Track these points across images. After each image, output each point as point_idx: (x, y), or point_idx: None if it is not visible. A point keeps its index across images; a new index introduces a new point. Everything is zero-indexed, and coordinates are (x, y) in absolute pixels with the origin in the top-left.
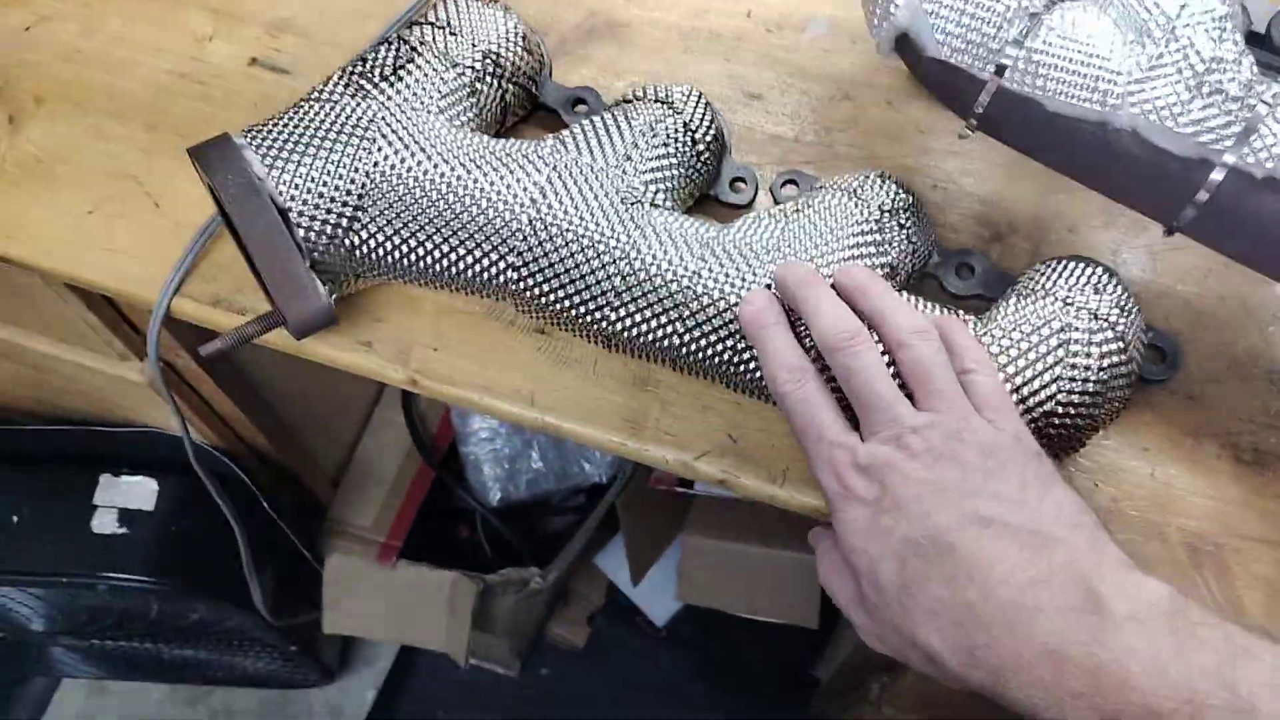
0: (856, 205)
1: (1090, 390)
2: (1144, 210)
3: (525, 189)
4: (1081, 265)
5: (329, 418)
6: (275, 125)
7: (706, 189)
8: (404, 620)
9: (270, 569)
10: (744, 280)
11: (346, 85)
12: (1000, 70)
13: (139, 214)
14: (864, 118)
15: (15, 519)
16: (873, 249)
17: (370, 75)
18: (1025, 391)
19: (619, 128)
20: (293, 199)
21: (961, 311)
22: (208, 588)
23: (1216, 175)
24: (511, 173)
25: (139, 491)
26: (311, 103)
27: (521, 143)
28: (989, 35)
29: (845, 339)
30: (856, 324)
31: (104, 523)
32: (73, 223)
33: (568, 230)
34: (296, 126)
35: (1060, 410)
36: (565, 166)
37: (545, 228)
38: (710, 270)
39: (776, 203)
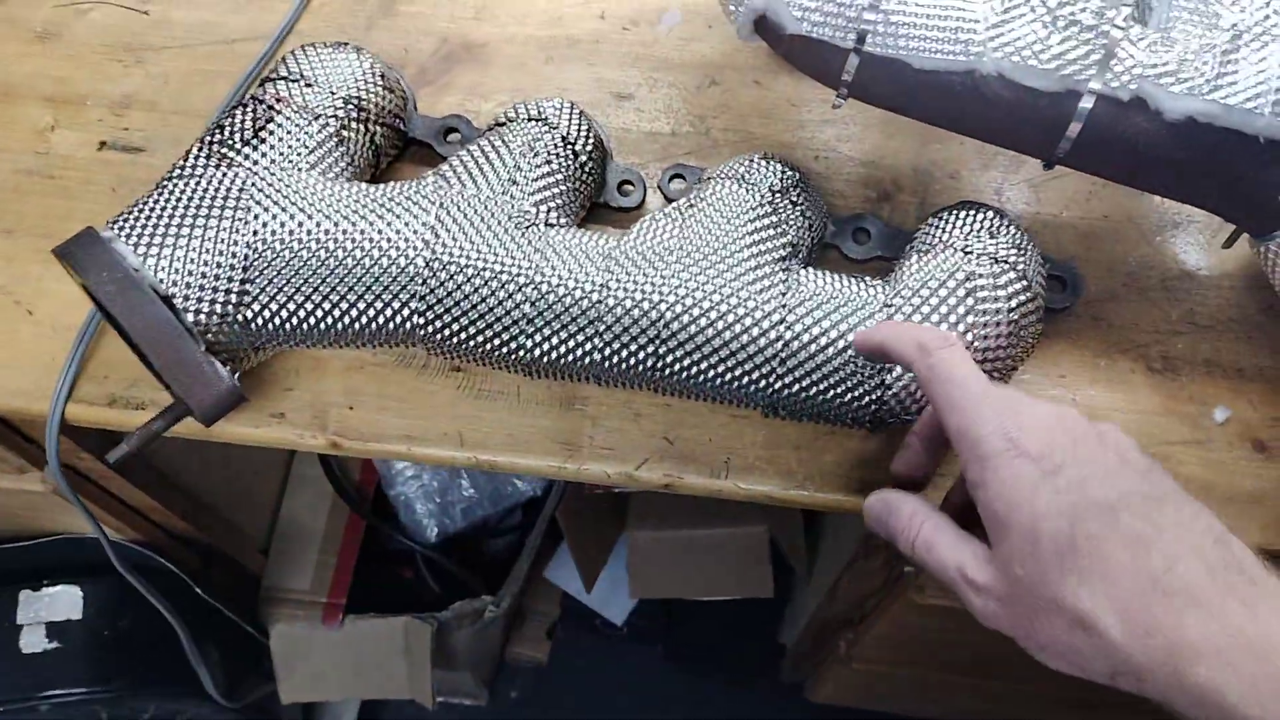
0: (747, 191)
1: (1004, 333)
2: (1021, 149)
3: (415, 231)
4: (972, 212)
5: (246, 486)
6: (141, 210)
7: (595, 198)
8: (362, 675)
9: (216, 652)
10: (652, 285)
11: (208, 156)
12: (862, 38)
13: (12, 324)
14: (735, 101)
15: None
16: (771, 231)
17: (230, 142)
18: None
19: (498, 153)
20: (174, 284)
21: (868, 277)
22: (155, 684)
23: (1085, 104)
24: (399, 218)
25: (63, 601)
26: (174, 180)
27: (402, 185)
28: (845, 5)
29: (944, 340)
30: (951, 335)
31: (32, 640)
32: None
33: (467, 266)
34: (164, 208)
35: (979, 359)
36: (452, 202)
37: (443, 267)
38: (618, 280)
39: (667, 199)
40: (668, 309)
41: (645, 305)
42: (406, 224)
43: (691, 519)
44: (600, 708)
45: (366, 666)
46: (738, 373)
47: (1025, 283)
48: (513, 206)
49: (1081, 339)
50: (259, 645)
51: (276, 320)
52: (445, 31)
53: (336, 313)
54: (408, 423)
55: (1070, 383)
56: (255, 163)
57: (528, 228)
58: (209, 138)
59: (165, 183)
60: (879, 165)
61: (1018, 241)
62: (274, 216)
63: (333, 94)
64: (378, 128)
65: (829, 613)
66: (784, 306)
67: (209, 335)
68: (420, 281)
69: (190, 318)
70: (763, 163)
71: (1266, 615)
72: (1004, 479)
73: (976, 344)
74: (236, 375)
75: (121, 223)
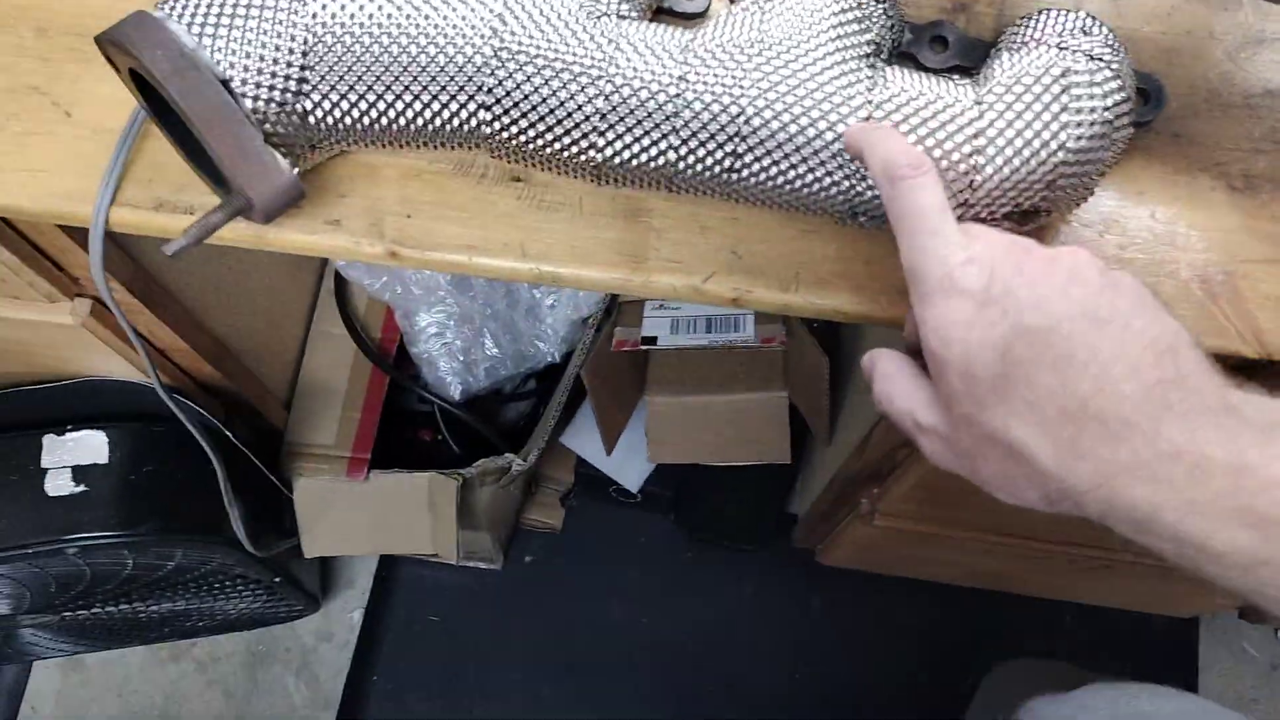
0: None
1: (1098, 133)
2: None
3: (483, 19)
4: (1064, 12)
5: (267, 339)
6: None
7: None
8: (386, 530)
9: (242, 501)
10: (733, 79)
11: None
12: None
13: (51, 127)
14: None
15: None
16: (855, 26)
17: None
18: (1036, 144)
19: None
20: (232, 67)
21: (955, 76)
22: (182, 529)
23: None
24: (465, 3)
25: (89, 445)
26: None
27: None
28: None
29: (910, 167)
30: (921, 156)
31: (59, 484)
32: None
33: (537, 57)
34: None
35: (1072, 159)
36: None
37: (512, 57)
38: (696, 74)
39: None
40: (749, 104)
41: (725, 100)
42: (473, 9)
43: (711, 384)
44: (613, 574)
45: (391, 522)
46: (819, 173)
47: (1120, 82)
48: None
49: (1161, 155)
50: (282, 498)
51: (337, 112)
52: None
53: (400, 105)
54: (468, 232)
55: (1150, 199)
56: None
57: (600, 18)
58: None
59: None
60: None
61: (1111, 41)
62: (333, 7)
63: None
64: None
65: (854, 469)
66: (870, 103)
67: (267, 125)
68: (488, 72)
69: (249, 104)
70: None
71: (1205, 431)
72: (939, 315)
73: (1069, 144)
74: (297, 169)
75: (173, 2)
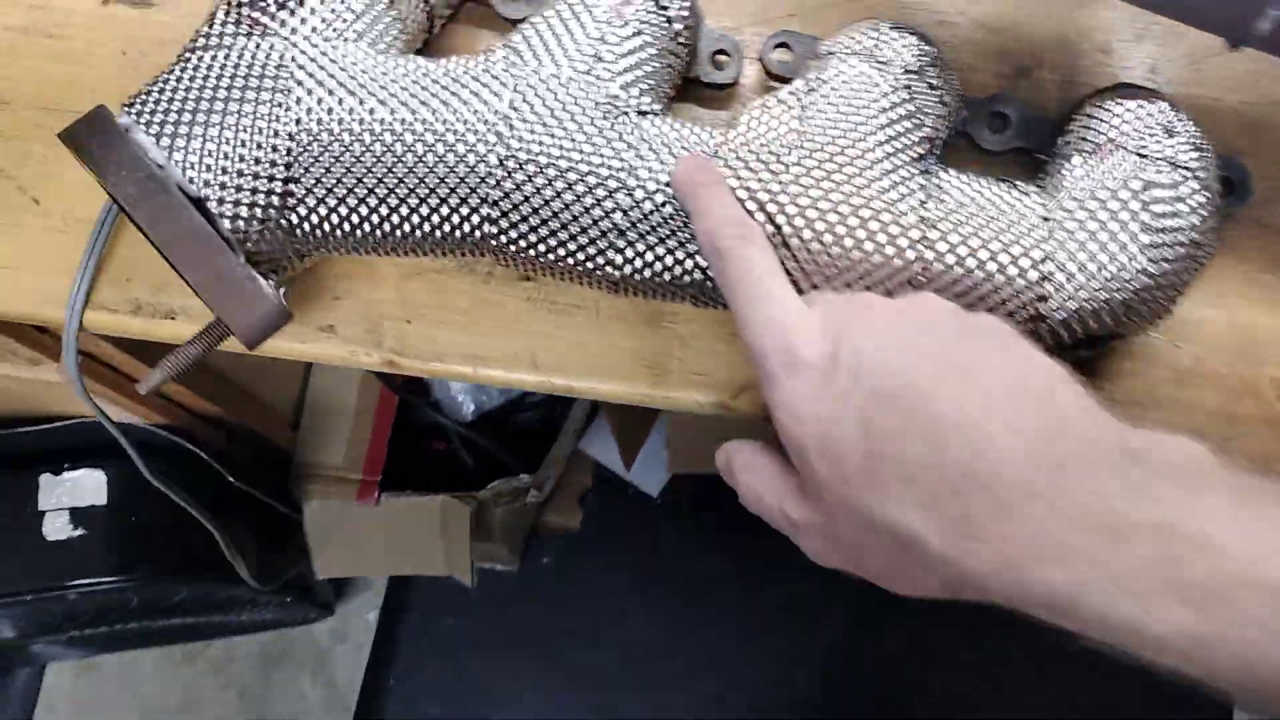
0: (877, 72)
1: (1183, 254)
2: (1208, 27)
3: (486, 122)
4: (1142, 103)
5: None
6: (162, 91)
7: (686, 73)
8: (399, 552)
9: (248, 536)
10: (769, 194)
11: (237, 23)
12: None
13: (16, 215)
14: None
15: None
16: (908, 124)
17: (263, 5)
18: (1113, 268)
19: (579, 20)
20: (207, 184)
21: (1020, 183)
22: (185, 569)
23: None
24: (466, 104)
25: (86, 485)
26: (199, 53)
27: (467, 61)
28: None
29: (737, 234)
30: (748, 221)
31: (57, 528)
32: None
33: (548, 166)
34: (189, 88)
35: (1152, 283)
36: (528, 84)
37: (520, 166)
38: (730, 183)
39: (769, 75)
40: (786, 223)
41: (760, 217)
42: (475, 112)
43: None
44: (631, 576)
45: (403, 543)
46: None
47: (1207, 194)
48: (599, 90)
49: (1244, 250)
50: (292, 523)
51: (327, 225)
52: None
53: (395, 217)
54: (472, 340)
55: (1230, 302)
56: (294, 30)
57: (617, 118)
58: (234, 0)
59: (188, 55)
60: (1016, 33)
61: (1198, 142)
62: (319, 101)
63: None
64: None
65: None
66: (924, 221)
67: (249, 244)
68: (493, 182)
69: (227, 224)
70: (894, 34)
71: (1112, 487)
72: (787, 393)
73: (1151, 268)
74: (282, 290)
75: (141, 106)
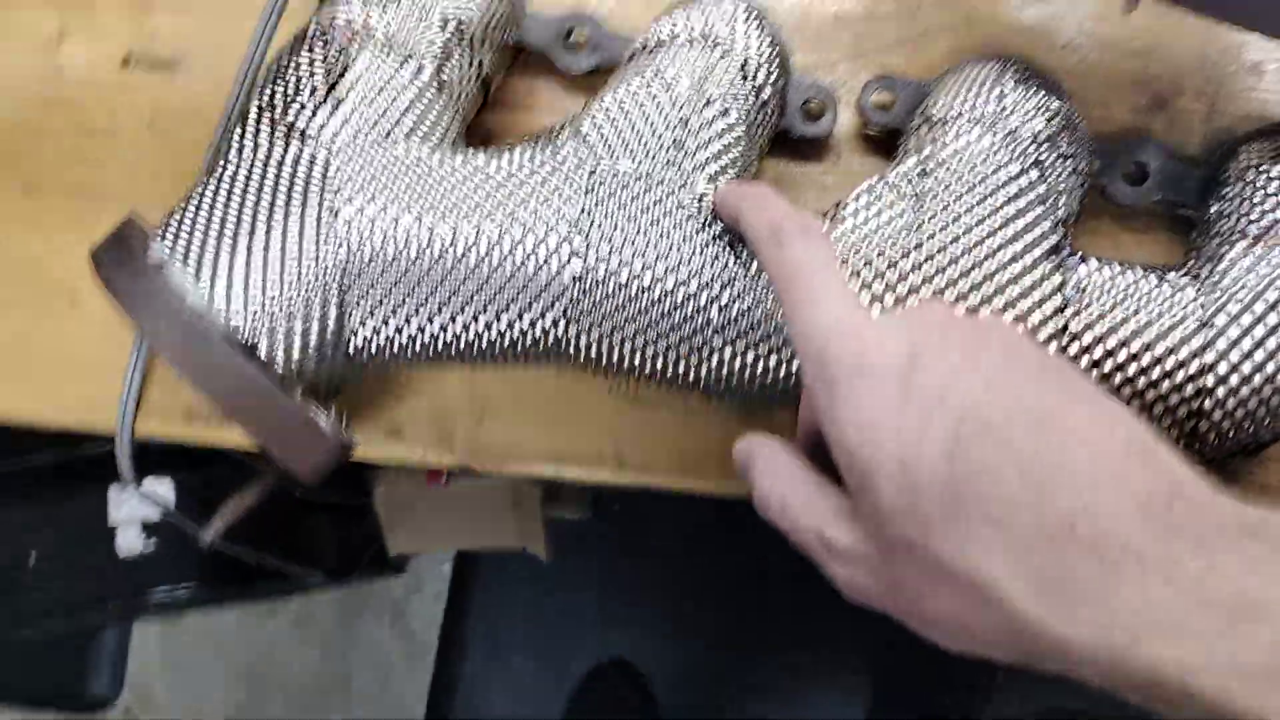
0: (1006, 147)
1: None
2: None
3: (560, 234)
4: None
5: None
6: (196, 213)
7: (774, 132)
8: (472, 528)
9: (325, 530)
10: (881, 302)
11: (271, 129)
12: None
13: (55, 317)
14: None
15: (32, 558)
16: (1041, 209)
17: (296, 106)
18: (1275, 382)
19: (657, 105)
20: (255, 325)
21: (1171, 274)
22: (263, 569)
23: None
24: (535, 213)
25: (155, 494)
26: (231, 165)
27: (529, 158)
28: None
29: (800, 228)
30: (813, 218)
31: (128, 542)
32: None
33: (632, 280)
34: (225, 209)
35: None
36: (603, 185)
37: (599, 284)
38: None
39: (866, 122)
40: None
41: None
42: (546, 222)
43: None
44: (707, 513)
45: (475, 521)
46: None
47: None
48: (684, 189)
49: None
50: (365, 507)
51: (389, 348)
52: None
53: (465, 335)
54: (552, 437)
55: None
56: (334, 135)
57: (707, 223)
58: (267, 97)
59: (221, 169)
60: (1153, 55)
61: None
62: (371, 218)
63: (425, 16)
64: (488, 54)
65: None
66: (1064, 332)
67: (304, 379)
68: (570, 297)
69: (280, 366)
70: (1021, 97)
71: (1230, 562)
72: (858, 405)
73: None
74: (344, 420)
75: (173, 237)
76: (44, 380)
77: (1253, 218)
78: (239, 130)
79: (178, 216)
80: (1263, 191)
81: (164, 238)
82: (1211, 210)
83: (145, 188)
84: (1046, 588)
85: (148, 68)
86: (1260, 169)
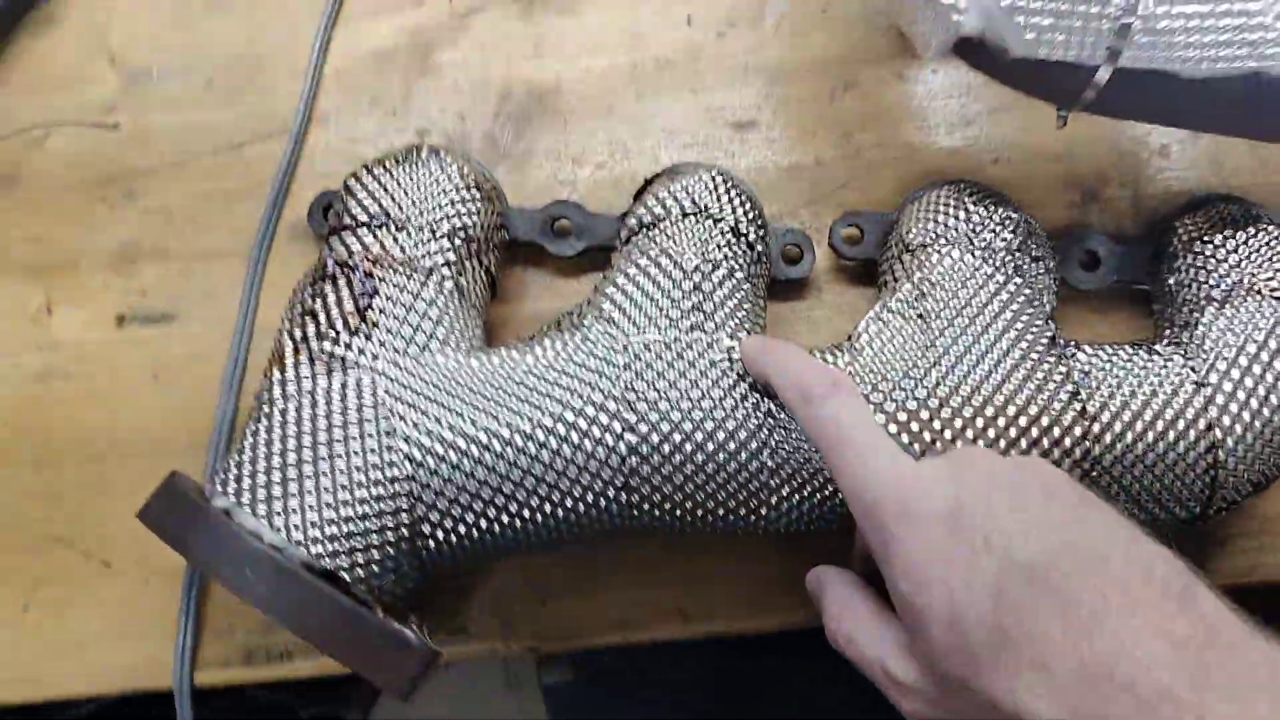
0: (984, 259)
1: None
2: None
3: (608, 412)
4: (1254, 236)
5: None
6: (255, 460)
7: (769, 279)
8: (466, 709)
9: None
10: (919, 419)
11: (311, 361)
12: (1115, 53)
13: (91, 584)
14: (879, 105)
15: None
16: (1031, 309)
17: (332, 334)
18: (1275, 421)
19: (669, 276)
20: (334, 554)
21: (1157, 347)
22: None
23: None
24: (577, 394)
25: None
26: (278, 404)
27: (563, 343)
28: (1094, 17)
29: (828, 385)
30: (838, 373)
31: None
32: (8, 633)
33: (684, 443)
34: (283, 449)
35: None
36: (638, 358)
37: (655, 450)
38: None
39: (841, 257)
40: (945, 447)
41: (906, 438)
42: (593, 403)
43: None
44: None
45: (470, 701)
46: None
47: None
48: (713, 349)
49: None
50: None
51: (459, 550)
52: (504, 81)
53: (531, 525)
54: (615, 606)
55: None
56: (375, 357)
57: (741, 376)
58: (300, 332)
59: (266, 410)
60: (1073, 155)
61: None
62: (427, 431)
63: (434, 233)
64: (491, 255)
65: None
66: (1084, 415)
67: (385, 598)
68: (628, 470)
69: (361, 587)
70: (985, 213)
71: (1259, 705)
72: (909, 551)
73: None
74: (425, 629)
75: (235, 483)
76: (93, 650)
77: (1212, 284)
78: (278, 371)
79: (235, 461)
80: (1214, 259)
81: (224, 485)
82: (1170, 282)
83: (159, 439)
84: None
85: (143, 322)
86: (1205, 240)
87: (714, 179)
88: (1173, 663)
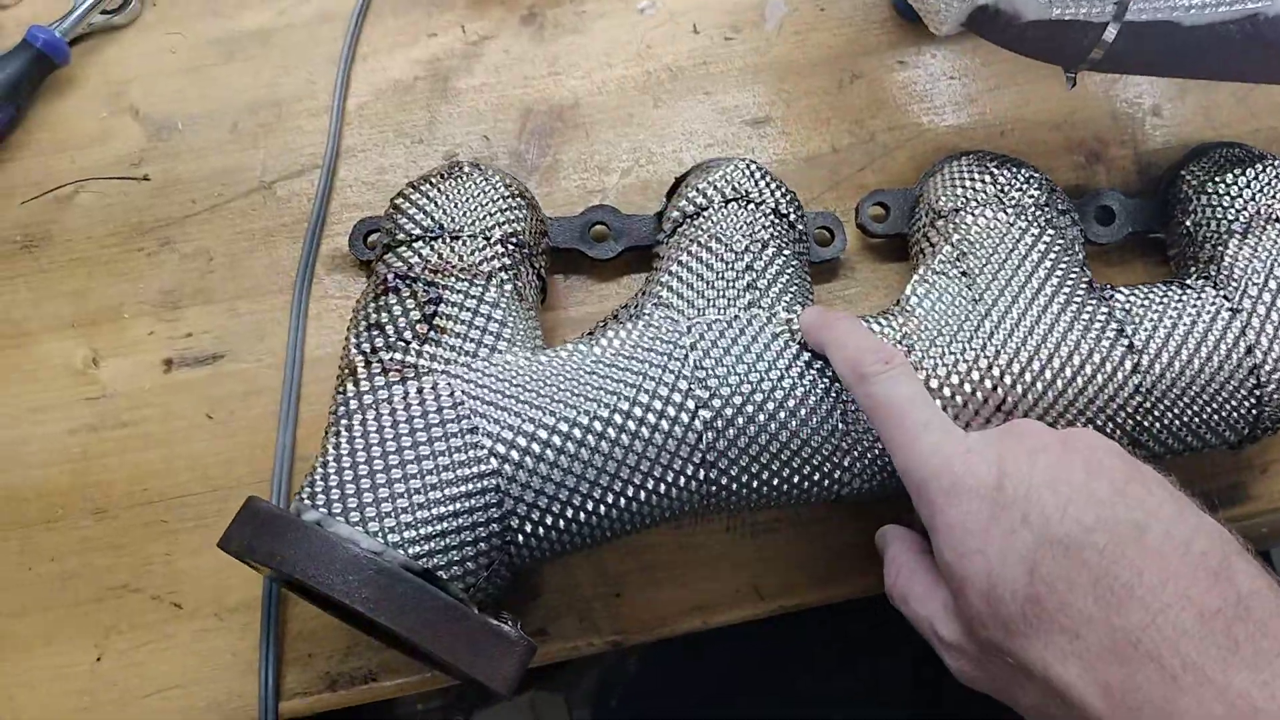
0: (1017, 216)
1: None
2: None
3: (680, 391)
4: (1263, 170)
5: None
6: (339, 472)
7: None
8: None
9: None
10: (979, 368)
11: (383, 371)
12: (1123, 7)
13: (163, 628)
14: (886, 92)
15: None
16: (1068, 258)
17: (401, 344)
18: None
19: (723, 260)
20: (432, 553)
21: (1188, 281)
22: None
23: None
24: (650, 377)
25: None
26: (354, 417)
27: (624, 333)
28: None
29: (880, 363)
30: (891, 348)
31: None
32: (82, 685)
33: (756, 413)
34: (367, 458)
35: None
36: (705, 339)
37: (730, 423)
38: (931, 367)
39: (870, 235)
40: (1004, 393)
41: (967, 390)
42: (665, 384)
43: None
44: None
45: None
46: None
47: None
48: (772, 322)
49: None
50: None
51: (546, 543)
52: (524, 100)
53: (614, 512)
54: (689, 591)
55: None
56: (448, 361)
57: (804, 345)
58: (368, 347)
59: (345, 422)
60: (1073, 122)
61: None
62: (509, 426)
63: (488, 239)
64: (540, 259)
65: None
66: (1131, 349)
67: (479, 596)
68: (705, 445)
69: (459, 585)
70: (1010, 172)
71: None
72: (952, 523)
73: None
74: (518, 624)
75: (323, 495)
76: (173, 695)
77: (1230, 218)
78: (351, 385)
79: (319, 476)
80: (1229, 196)
81: (312, 499)
82: (1187, 224)
83: (218, 477)
84: (1115, 695)
85: (192, 365)
86: (1216, 180)
87: (749, 167)
88: (1200, 635)
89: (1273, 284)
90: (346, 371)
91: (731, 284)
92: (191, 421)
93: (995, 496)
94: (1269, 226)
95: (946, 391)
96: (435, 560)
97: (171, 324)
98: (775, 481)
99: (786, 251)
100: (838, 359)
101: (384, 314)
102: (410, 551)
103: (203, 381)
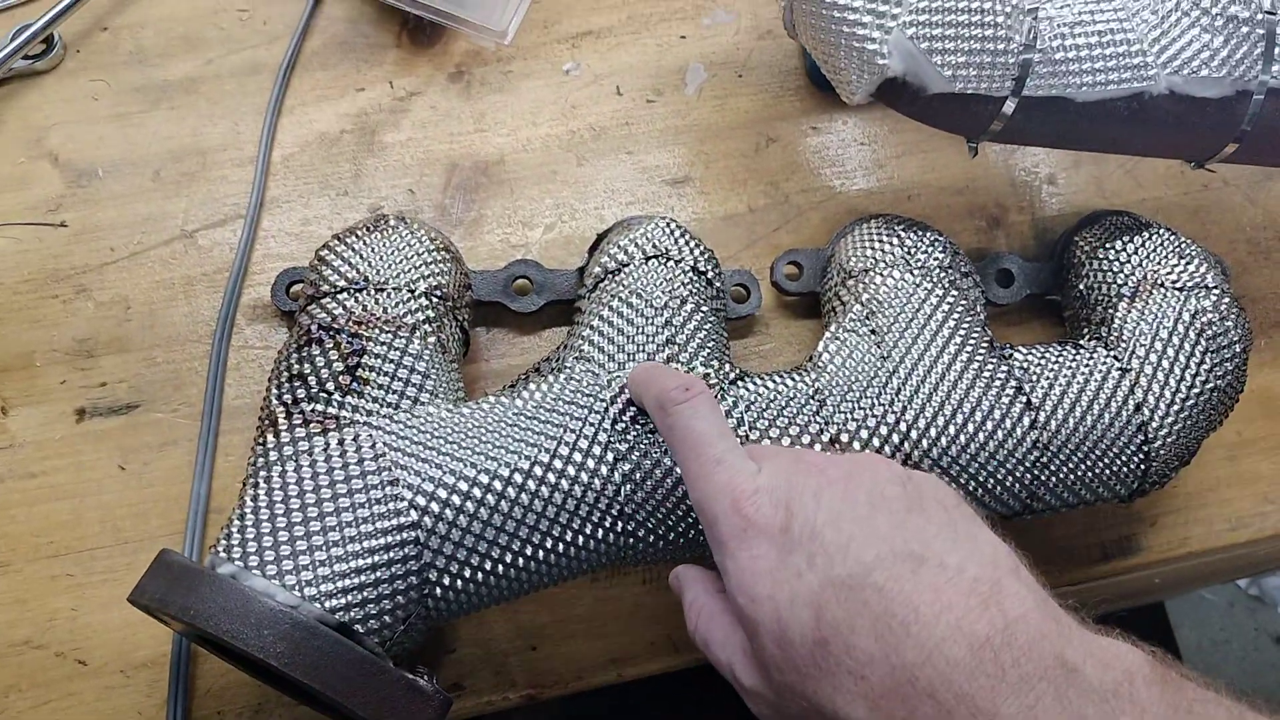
0: (925, 277)
1: (1239, 365)
2: (1176, 155)
3: (598, 442)
4: (1149, 239)
5: None
6: (256, 524)
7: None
8: None
9: None
10: (887, 423)
11: (304, 422)
12: (1020, 83)
13: (65, 684)
14: (800, 155)
15: None
16: (970, 319)
17: (323, 394)
18: (1194, 395)
19: (642, 314)
20: (348, 607)
21: (1080, 342)
22: None
23: (1258, 99)
24: (568, 429)
25: None
26: (273, 468)
27: (548, 387)
28: (1000, 53)
29: (681, 391)
30: (694, 379)
31: None
32: None
33: (672, 468)
34: (285, 510)
35: (1218, 396)
36: (623, 394)
37: (648, 476)
38: (842, 421)
39: (784, 293)
40: (911, 446)
41: (877, 444)
42: (585, 436)
43: None
44: None
45: None
46: (990, 484)
47: (1236, 304)
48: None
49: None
50: None
51: (464, 596)
52: (449, 155)
53: (533, 564)
54: (605, 646)
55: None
56: (370, 413)
57: (721, 396)
58: (290, 396)
59: (264, 474)
60: (975, 188)
61: (1208, 257)
62: (429, 478)
63: (412, 292)
64: (463, 311)
65: None
66: (1025, 404)
67: (395, 648)
68: (623, 497)
69: (376, 639)
70: (917, 235)
71: (1045, 706)
72: (742, 566)
73: (1218, 383)
74: (434, 678)
75: (238, 548)
76: None
77: (1120, 282)
78: (272, 435)
79: (235, 528)
80: (1118, 262)
81: (228, 551)
82: (1080, 287)
83: (131, 528)
84: None
85: (105, 414)
86: (1106, 247)
87: (669, 225)
88: (971, 666)
89: (1159, 345)
90: (267, 422)
91: (651, 339)
92: (103, 472)
93: (782, 540)
94: (1155, 291)
95: (856, 445)
96: (353, 614)
97: (85, 373)
98: (692, 534)
99: (704, 308)
100: (645, 394)
101: (307, 365)
102: (327, 605)
103: (116, 431)
